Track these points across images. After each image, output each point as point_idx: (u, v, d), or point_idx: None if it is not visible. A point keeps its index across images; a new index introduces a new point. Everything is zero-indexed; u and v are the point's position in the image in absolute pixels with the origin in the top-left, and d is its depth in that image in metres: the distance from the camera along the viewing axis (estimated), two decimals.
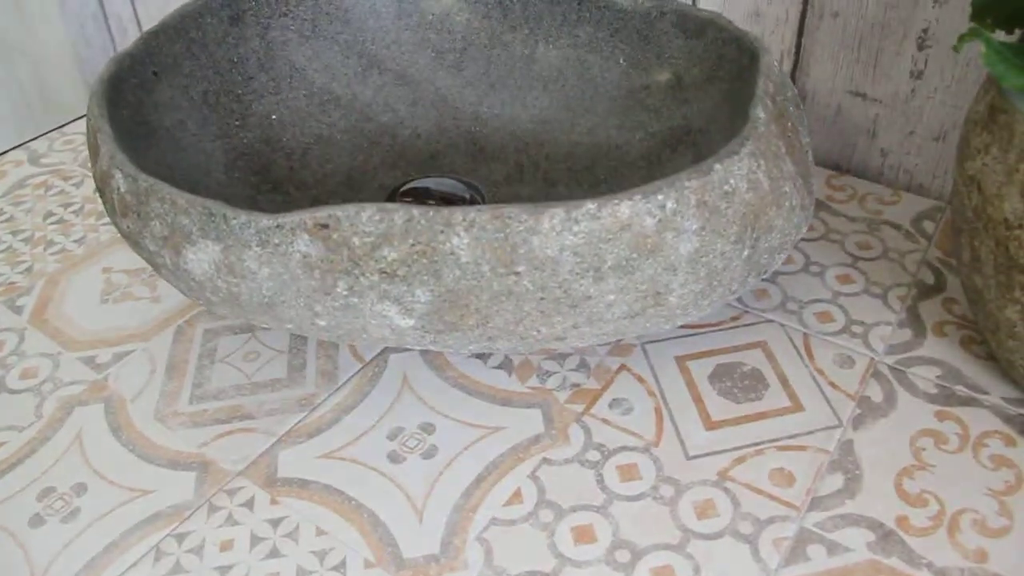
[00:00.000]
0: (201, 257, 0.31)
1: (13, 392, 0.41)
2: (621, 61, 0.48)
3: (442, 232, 0.29)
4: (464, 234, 0.29)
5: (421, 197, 0.46)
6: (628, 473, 0.36)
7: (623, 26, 0.48)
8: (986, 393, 0.39)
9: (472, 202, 0.46)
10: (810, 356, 0.41)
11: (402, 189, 0.47)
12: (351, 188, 0.47)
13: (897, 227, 0.49)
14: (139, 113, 0.40)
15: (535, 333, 0.32)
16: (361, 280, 0.30)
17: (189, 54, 0.45)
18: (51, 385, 0.41)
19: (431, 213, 0.29)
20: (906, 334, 0.42)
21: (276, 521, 0.34)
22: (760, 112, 0.36)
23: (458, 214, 0.29)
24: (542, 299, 0.30)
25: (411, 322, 0.31)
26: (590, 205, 0.29)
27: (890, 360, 0.41)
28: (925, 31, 0.47)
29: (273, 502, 0.35)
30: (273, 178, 0.45)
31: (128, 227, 0.33)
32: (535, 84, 0.51)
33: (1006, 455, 0.36)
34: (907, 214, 0.50)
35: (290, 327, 0.33)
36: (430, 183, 0.47)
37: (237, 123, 0.47)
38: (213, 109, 0.46)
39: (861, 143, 0.53)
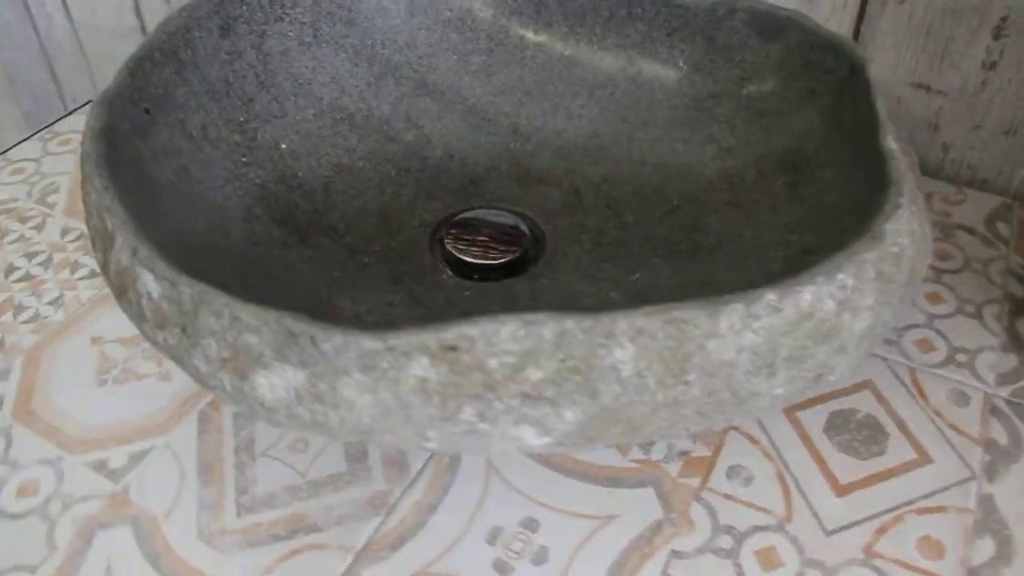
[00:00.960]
0: (276, 383, 0.24)
1: (14, 517, 0.33)
2: (682, 64, 0.43)
3: (602, 345, 0.23)
4: (629, 345, 0.23)
5: (471, 233, 0.40)
6: (768, 560, 0.32)
7: (683, 24, 0.42)
8: None
9: (532, 237, 0.40)
10: (922, 395, 0.38)
11: (449, 225, 0.41)
12: (388, 230, 0.40)
13: (971, 231, 0.46)
14: (138, 168, 0.33)
15: (684, 431, 0.27)
16: (496, 405, 0.24)
17: (180, 79, 0.37)
18: (59, 504, 0.34)
19: (588, 323, 0.23)
20: (1012, 360, 0.39)
21: None
22: (891, 143, 0.31)
23: (621, 322, 0.23)
24: (706, 403, 0.25)
25: (547, 440, 0.25)
26: (770, 296, 0.24)
27: (1004, 392, 0.38)
28: (1004, 19, 0.43)
29: None
30: (298, 226, 0.38)
31: (167, 341, 0.26)
32: (579, 91, 0.44)
33: None
34: (977, 215, 0.47)
35: (385, 447, 0.27)
36: (479, 215, 0.41)
37: (244, 159, 0.39)
38: (215, 146, 0.38)
39: (922, 137, 0.49)
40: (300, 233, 0.38)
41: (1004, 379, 0.38)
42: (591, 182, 0.43)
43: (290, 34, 0.43)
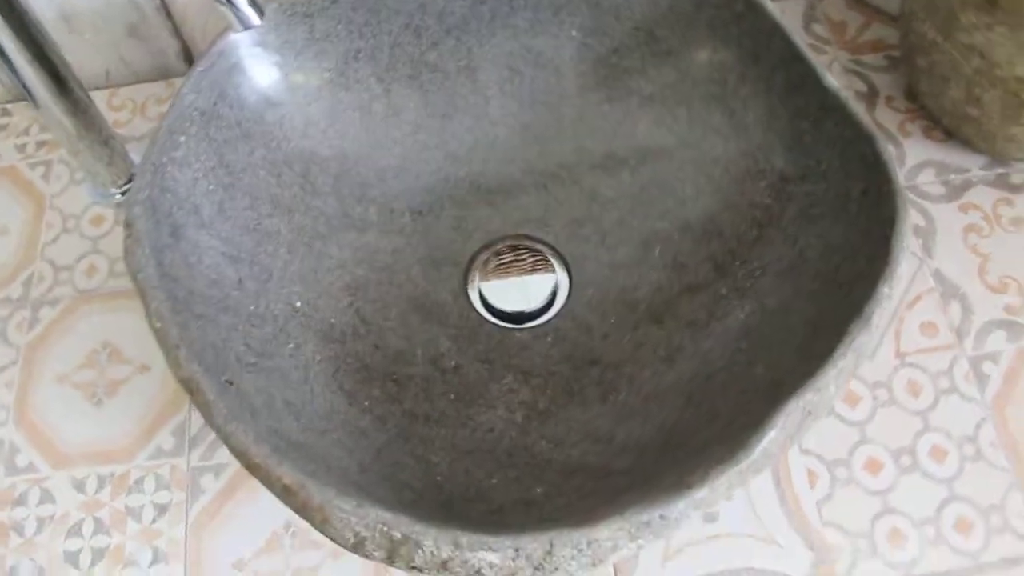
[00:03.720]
0: None
1: None
2: (574, 33, 0.46)
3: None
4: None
5: (503, 284, 0.44)
6: (849, 398, 0.45)
7: (566, 2, 0.45)
8: (969, 170, 0.52)
9: (549, 252, 0.45)
10: None
11: (479, 290, 0.44)
12: (438, 319, 0.43)
13: None
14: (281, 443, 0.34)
15: None
16: None
17: (202, 320, 0.36)
18: None
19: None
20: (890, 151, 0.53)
21: None
22: (834, 84, 0.40)
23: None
24: None
25: None
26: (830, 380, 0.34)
27: (903, 182, 0.52)
28: None
29: None
30: (378, 368, 0.41)
31: None
32: (491, 93, 0.47)
33: (1021, 214, 0.50)
34: (795, 26, 0.58)
35: None
36: (495, 265, 0.45)
37: (291, 345, 0.39)
38: (270, 353, 0.38)
39: None
40: (387, 374, 0.41)
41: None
42: (551, 173, 0.47)
43: (211, 188, 0.41)
